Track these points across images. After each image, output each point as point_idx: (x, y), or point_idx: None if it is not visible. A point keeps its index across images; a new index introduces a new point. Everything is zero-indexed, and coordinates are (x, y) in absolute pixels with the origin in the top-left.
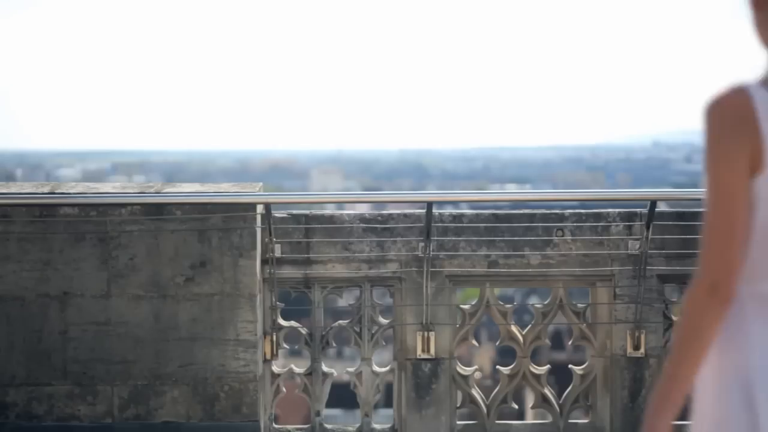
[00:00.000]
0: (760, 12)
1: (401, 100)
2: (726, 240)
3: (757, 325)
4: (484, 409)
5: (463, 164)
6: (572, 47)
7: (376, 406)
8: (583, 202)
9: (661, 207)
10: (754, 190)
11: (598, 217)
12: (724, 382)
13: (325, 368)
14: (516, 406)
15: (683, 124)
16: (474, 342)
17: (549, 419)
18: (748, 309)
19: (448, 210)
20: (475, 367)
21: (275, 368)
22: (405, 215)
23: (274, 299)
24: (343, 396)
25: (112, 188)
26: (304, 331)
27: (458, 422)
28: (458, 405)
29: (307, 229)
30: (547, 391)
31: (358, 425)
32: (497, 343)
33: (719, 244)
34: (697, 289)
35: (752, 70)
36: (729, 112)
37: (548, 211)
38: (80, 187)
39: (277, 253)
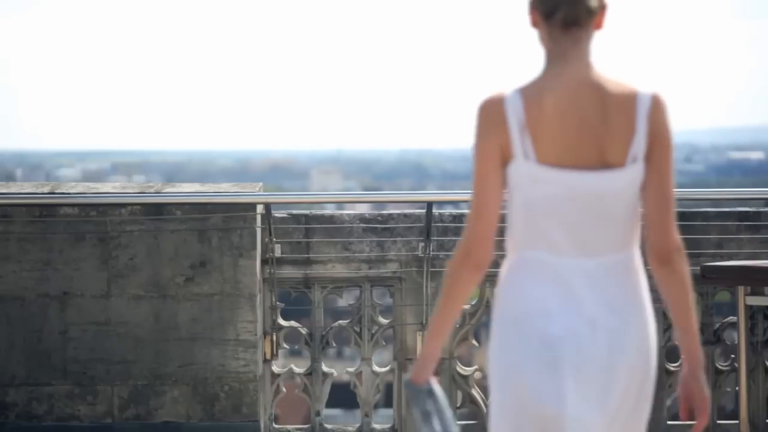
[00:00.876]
0: (537, 29)
1: (401, 100)
2: (477, 217)
3: (528, 280)
4: (484, 409)
5: (463, 164)
6: None
7: (376, 406)
8: None
9: None
10: (509, 177)
11: None
12: (496, 327)
13: (325, 368)
14: None
15: (683, 124)
16: (474, 342)
17: None
18: (522, 268)
19: (448, 210)
20: (475, 367)
21: (275, 368)
22: (405, 215)
23: (274, 299)
24: (343, 396)
25: (112, 188)
26: (304, 331)
27: (458, 422)
28: (458, 405)
29: (307, 229)
30: None
31: (358, 425)
32: None
33: (474, 219)
34: (456, 255)
35: (751, 69)
36: (486, 114)
37: None
38: (80, 187)
39: (277, 253)
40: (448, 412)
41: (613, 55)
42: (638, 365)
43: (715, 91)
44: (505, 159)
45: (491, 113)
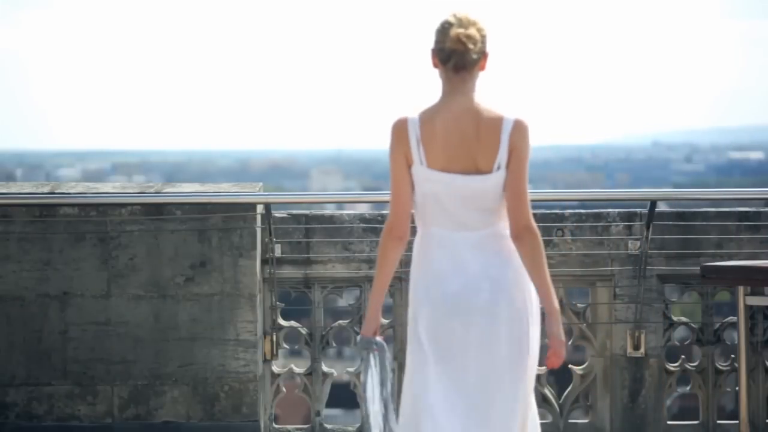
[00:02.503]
0: (437, 69)
1: (401, 100)
2: (395, 204)
3: (431, 250)
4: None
5: None
6: (571, 47)
7: None
8: (583, 202)
9: (661, 207)
10: (413, 176)
11: (598, 217)
12: (412, 284)
13: (325, 368)
14: None
15: (683, 124)
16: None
17: (549, 419)
18: (426, 241)
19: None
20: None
21: (275, 368)
22: None
23: (274, 299)
24: (343, 396)
25: (112, 188)
26: (304, 331)
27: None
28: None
29: (307, 229)
30: (547, 391)
31: (358, 425)
32: None
33: (392, 206)
34: (384, 232)
35: (752, 69)
36: (394, 131)
37: (548, 211)
38: (80, 187)
39: (277, 253)
40: (387, 360)
41: (613, 55)
42: (516, 299)
43: (715, 91)
44: (409, 163)
45: (399, 131)
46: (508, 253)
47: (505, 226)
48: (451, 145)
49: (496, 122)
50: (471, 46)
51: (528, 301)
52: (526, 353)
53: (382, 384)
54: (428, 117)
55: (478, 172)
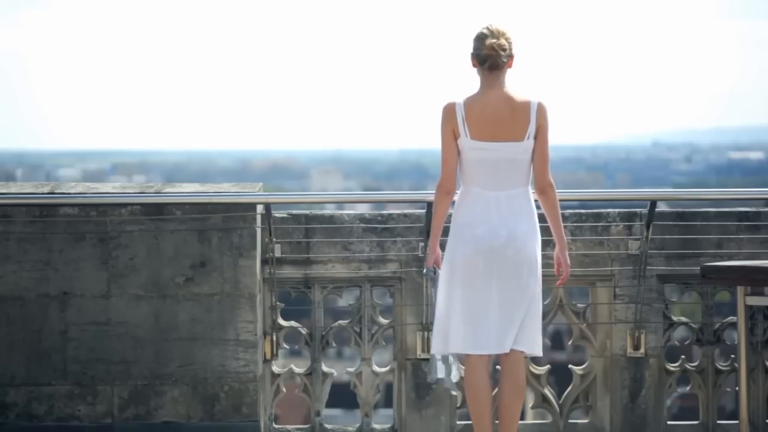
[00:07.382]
0: (475, 68)
1: (401, 100)
2: (444, 166)
3: (468, 203)
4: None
5: None
6: (571, 47)
7: (376, 406)
8: (583, 202)
9: (661, 207)
10: (459, 146)
11: (598, 217)
12: (451, 228)
13: (325, 368)
14: None
15: (683, 124)
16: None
17: (549, 419)
18: (465, 196)
19: (449, 210)
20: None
21: (275, 368)
22: (405, 215)
23: (274, 299)
24: (343, 396)
25: (112, 188)
26: (304, 331)
27: (458, 422)
28: (458, 405)
29: (307, 229)
30: (547, 391)
31: (358, 425)
32: None
33: (443, 168)
34: (436, 187)
35: (751, 69)
36: (446, 112)
37: None
38: (80, 187)
39: (277, 253)
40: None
41: (613, 55)
42: (527, 247)
43: (715, 91)
44: (456, 136)
45: (449, 111)
46: (526, 211)
47: (529, 190)
48: (488, 123)
49: (526, 105)
50: (501, 51)
51: (536, 250)
52: (531, 280)
53: None
54: (470, 102)
55: (512, 140)
